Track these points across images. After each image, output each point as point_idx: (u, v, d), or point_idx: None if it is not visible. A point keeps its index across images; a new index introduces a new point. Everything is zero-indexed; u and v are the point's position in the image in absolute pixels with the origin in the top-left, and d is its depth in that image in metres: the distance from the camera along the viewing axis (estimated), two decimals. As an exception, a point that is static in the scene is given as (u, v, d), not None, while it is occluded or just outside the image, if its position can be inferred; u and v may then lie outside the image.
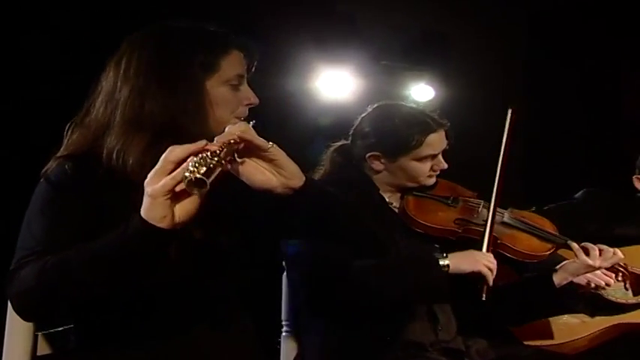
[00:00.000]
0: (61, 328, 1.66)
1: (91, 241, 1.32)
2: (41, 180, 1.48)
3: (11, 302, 1.44)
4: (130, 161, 1.41)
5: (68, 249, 1.33)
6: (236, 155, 1.33)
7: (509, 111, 2.19)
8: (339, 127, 2.33)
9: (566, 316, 2.33)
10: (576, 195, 2.75)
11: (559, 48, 4.22)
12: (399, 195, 2.19)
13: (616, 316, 2.34)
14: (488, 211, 2.11)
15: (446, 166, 2.16)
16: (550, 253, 2.18)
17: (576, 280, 2.17)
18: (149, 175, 1.24)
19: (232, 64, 1.51)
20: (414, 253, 2.08)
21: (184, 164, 1.23)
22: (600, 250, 2.13)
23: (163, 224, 1.24)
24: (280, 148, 1.36)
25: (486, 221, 2.10)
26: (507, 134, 2.17)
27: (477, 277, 1.99)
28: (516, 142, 2.26)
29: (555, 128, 4.26)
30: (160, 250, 1.29)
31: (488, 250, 2.06)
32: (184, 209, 1.26)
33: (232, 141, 1.29)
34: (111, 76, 1.49)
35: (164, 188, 1.22)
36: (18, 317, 1.44)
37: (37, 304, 1.38)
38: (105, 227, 1.32)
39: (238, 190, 1.38)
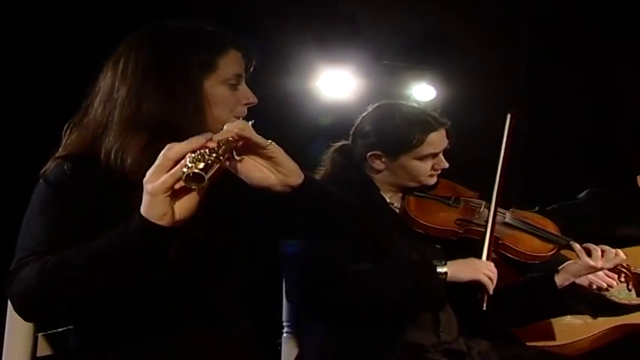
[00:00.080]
0: (61, 329, 1.66)
1: (91, 240, 1.32)
2: (40, 181, 1.48)
3: (12, 302, 1.44)
4: (128, 161, 1.42)
5: (68, 249, 1.33)
6: (235, 153, 1.33)
7: (509, 116, 2.19)
8: (340, 127, 2.32)
9: (568, 317, 2.33)
10: (580, 195, 2.74)
11: (560, 48, 4.21)
12: (400, 195, 2.19)
13: (619, 317, 2.34)
14: (490, 211, 2.11)
15: (447, 165, 2.16)
16: (552, 254, 2.17)
17: (578, 281, 2.16)
18: (148, 173, 1.24)
19: (230, 63, 1.51)
20: (413, 259, 2.07)
21: (183, 161, 1.22)
22: (602, 251, 2.13)
23: (163, 222, 1.24)
24: (280, 147, 1.36)
25: (487, 221, 2.09)
26: (507, 139, 2.17)
27: (477, 286, 1.99)
28: (517, 142, 2.26)
29: (556, 128, 4.26)
30: (161, 248, 1.29)
31: (488, 257, 2.05)
32: (184, 206, 1.25)
33: (231, 138, 1.29)
34: (109, 77, 1.50)
35: (163, 185, 1.22)
36: (18, 318, 1.45)
37: (37, 304, 1.38)
38: (104, 227, 1.32)
39: (238, 189, 1.38)
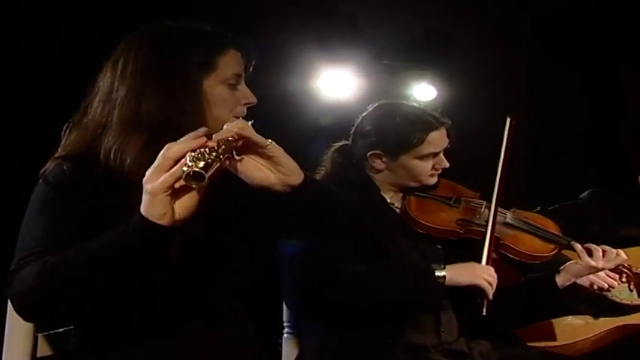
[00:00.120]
0: (61, 330, 1.66)
1: (91, 240, 1.32)
2: (40, 181, 1.48)
3: (12, 302, 1.44)
4: (128, 161, 1.42)
5: (68, 249, 1.33)
6: (234, 152, 1.33)
7: (508, 120, 2.19)
8: (340, 127, 2.32)
9: (570, 317, 2.32)
10: (581, 195, 2.74)
11: (561, 48, 4.21)
12: (400, 195, 2.18)
13: (620, 317, 2.33)
14: (490, 212, 2.10)
15: (447, 164, 2.15)
16: (553, 254, 2.17)
17: (579, 281, 2.16)
18: (148, 173, 1.24)
19: (230, 63, 1.51)
20: (412, 262, 2.07)
21: (182, 160, 1.22)
22: (604, 252, 2.12)
23: (163, 221, 1.24)
24: (280, 146, 1.36)
25: (488, 222, 2.09)
26: (507, 143, 2.17)
27: (477, 291, 1.98)
28: (518, 142, 2.25)
29: (557, 128, 4.25)
30: (161, 248, 1.29)
31: (488, 258, 2.04)
32: (184, 206, 1.25)
33: (230, 138, 1.29)
34: (108, 77, 1.50)
35: (163, 185, 1.22)
36: (18, 318, 1.45)
37: (37, 303, 1.38)
38: (104, 227, 1.32)
39: (238, 189, 1.38)
